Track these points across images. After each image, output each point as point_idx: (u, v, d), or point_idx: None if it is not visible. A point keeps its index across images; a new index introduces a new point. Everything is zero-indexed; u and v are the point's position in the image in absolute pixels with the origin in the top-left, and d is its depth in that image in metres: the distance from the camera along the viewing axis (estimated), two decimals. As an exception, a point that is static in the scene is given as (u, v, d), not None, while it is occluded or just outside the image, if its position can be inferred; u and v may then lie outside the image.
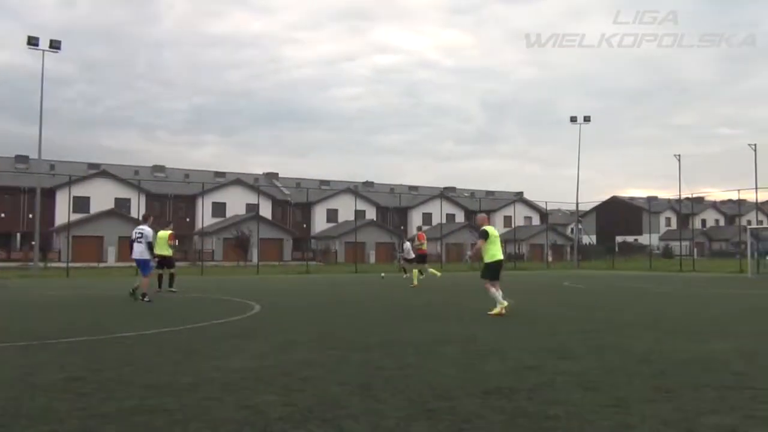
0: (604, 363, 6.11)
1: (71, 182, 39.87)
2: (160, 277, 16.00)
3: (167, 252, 16.11)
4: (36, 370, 5.77)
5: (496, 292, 10.30)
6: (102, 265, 45.85)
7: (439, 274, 19.57)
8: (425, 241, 20.79)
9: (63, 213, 45.87)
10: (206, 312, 11.36)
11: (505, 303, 10.25)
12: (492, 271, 10.49)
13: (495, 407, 4.39)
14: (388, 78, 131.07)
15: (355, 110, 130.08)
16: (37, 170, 39.07)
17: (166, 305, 12.81)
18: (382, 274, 21.86)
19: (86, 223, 50.70)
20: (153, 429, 3.93)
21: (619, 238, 71.48)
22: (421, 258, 20.58)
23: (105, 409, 4.34)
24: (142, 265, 13.74)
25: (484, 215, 11.37)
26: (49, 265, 41.10)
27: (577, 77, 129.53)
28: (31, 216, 46.49)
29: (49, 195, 50.17)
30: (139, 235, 13.79)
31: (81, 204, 51.66)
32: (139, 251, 13.71)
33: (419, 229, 22.27)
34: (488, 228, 10.63)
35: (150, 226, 14.07)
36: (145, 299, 13.22)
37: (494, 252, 10.53)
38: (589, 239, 65.13)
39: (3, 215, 54.68)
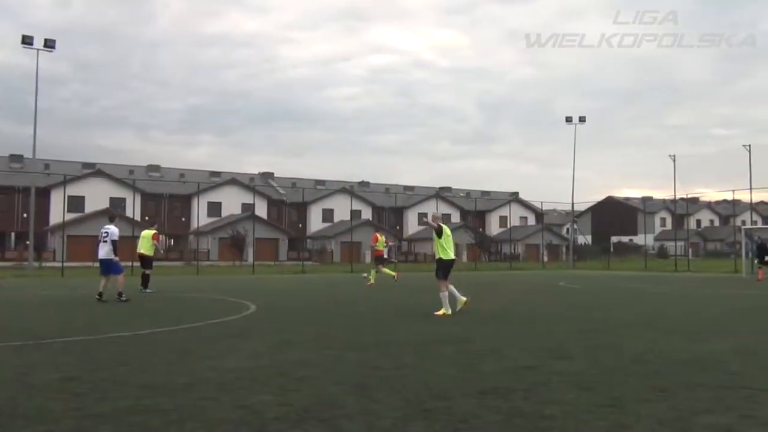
0: (600, 363, 6.12)
1: (66, 182, 39.81)
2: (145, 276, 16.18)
3: (150, 252, 16.10)
4: (31, 370, 5.75)
5: (446, 295, 10.72)
6: (97, 264, 45.68)
7: (372, 280, 19.92)
8: (379, 243, 21.15)
9: (58, 212, 45.79)
10: (202, 312, 11.34)
11: (450, 312, 10.58)
12: (444, 269, 10.95)
13: (491, 407, 4.40)
14: (384, 78, 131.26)
15: (350, 110, 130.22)
16: (31, 169, 38.95)
17: (161, 305, 12.78)
18: (364, 275, 21.86)
19: (81, 222, 50.50)
20: (148, 429, 3.92)
21: (614, 239, 71.58)
22: (378, 259, 21.24)
23: (100, 409, 4.33)
24: (109, 265, 13.31)
25: (437, 215, 11.78)
26: (43, 264, 40.99)
27: (574, 77, 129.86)
28: (25, 215, 46.23)
29: (44, 194, 50.06)
30: (105, 235, 13.40)
31: (76, 203, 51.50)
32: (105, 251, 13.35)
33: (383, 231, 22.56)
34: (443, 226, 11.15)
35: (117, 225, 13.77)
36: (122, 298, 13.04)
37: (448, 249, 11.03)
38: (585, 239, 65.24)
39: (-3, 215, 54.54)
